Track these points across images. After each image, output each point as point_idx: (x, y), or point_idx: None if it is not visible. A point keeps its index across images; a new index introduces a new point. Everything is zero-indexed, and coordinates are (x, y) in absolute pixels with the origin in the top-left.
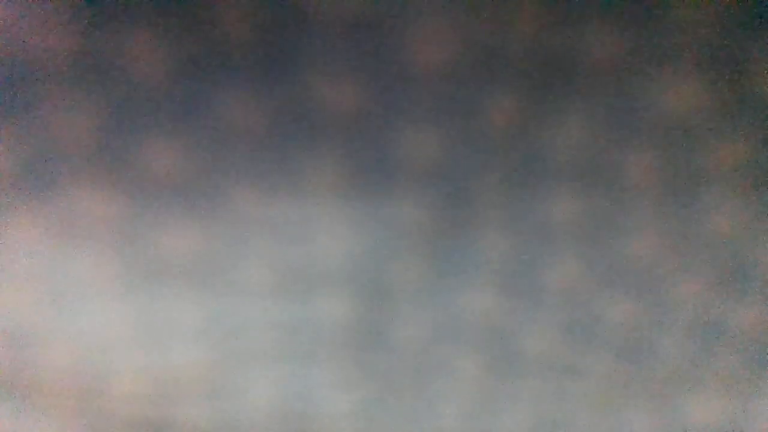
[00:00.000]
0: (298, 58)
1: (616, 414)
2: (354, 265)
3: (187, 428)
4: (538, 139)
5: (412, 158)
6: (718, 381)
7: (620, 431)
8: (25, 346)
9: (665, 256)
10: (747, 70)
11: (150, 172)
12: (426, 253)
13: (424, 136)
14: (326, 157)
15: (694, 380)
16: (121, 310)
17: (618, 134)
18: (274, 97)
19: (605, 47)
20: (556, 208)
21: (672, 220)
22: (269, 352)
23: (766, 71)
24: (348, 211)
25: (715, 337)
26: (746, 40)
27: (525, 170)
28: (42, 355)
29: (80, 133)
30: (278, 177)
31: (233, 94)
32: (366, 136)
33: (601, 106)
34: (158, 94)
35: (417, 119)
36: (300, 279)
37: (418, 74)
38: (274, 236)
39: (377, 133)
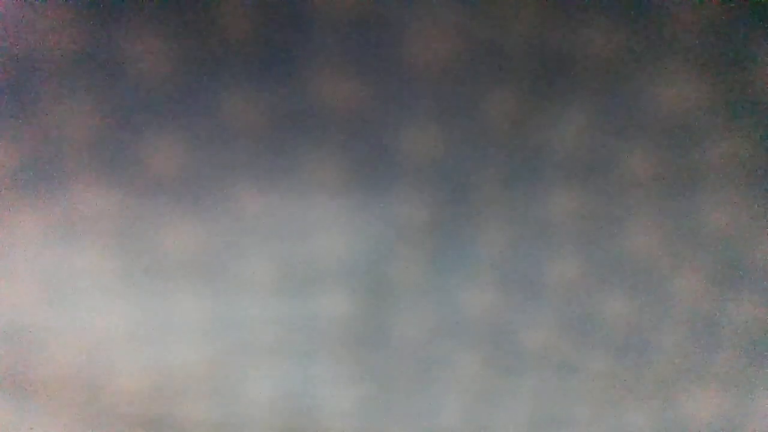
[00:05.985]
0: (298, 56)
1: (615, 410)
2: (354, 262)
3: (188, 424)
4: (537, 136)
5: (412, 155)
6: (716, 377)
7: (619, 427)
8: (26, 342)
9: (664, 253)
10: (747, 69)
11: (151, 169)
12: (426, 250)
13: (423, 133)
14: (327, 154)
15: (693, 376)
16: (122, 306)
17: (617, 131)
18: (274, 95)
19: (604, 45)
20: (556, 205)
21: (671, 217)
22: (270, 348)
23: (766, 70)
24: (348, 207)
25: (714, 333)
26: (746, 40)
27: (524, 167)
28: (43, 351)
29: (81, 131)
30: (279, 174)
31: (234, 92)
32: (366, 134)
33: (600, 103)
34: (159, 92)
35: (417, 116)
36: (300, 275)
37: (417, 72)
38: (275, 233)
39: (377, 131)
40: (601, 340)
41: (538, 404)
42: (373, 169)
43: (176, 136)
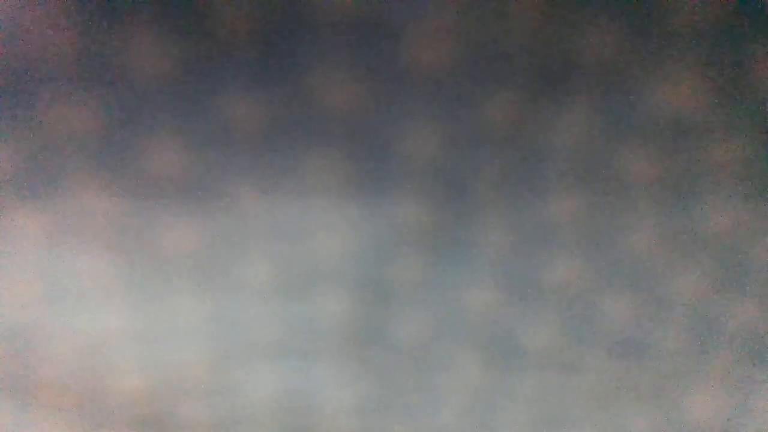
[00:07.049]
0: (298, 57)
1: (615, 410)
2: (354, 262)
3: (188, 424)
4: (537, 137)
5: (412, 156)
6: (716, 377)
7: (619, 427)
8: (27, 343)
9: (664, 253)
10: (747, 70)
11: (151, 170)
12: (426, 250)
13: (424, 134)
14: (327, 155)
15: (693, 376)
16: (122, 307)
17: (617, 132)
18: (274, 96)
19: (604, 45)
20: (556, 206)
21: (671, 218)
22: (270, 348)
23: (766, 71)
24: (348, 208)
25: (714, 334)
26: (746, 40)
27: (524, 168)
28: (44, 352)
29: (81, 131)
30: (279, 175)
31: (234, 93)
32: (366, 135)
33: (600, 103)
34: (159, 93)
35: (417, 117)
36: (301, 276)
37: (417, 73)
38: (275, 233)
39: (377, 132)
40: (601, 340)
41: (538, 404)
42: (373, 169)
43: (176, 137)
